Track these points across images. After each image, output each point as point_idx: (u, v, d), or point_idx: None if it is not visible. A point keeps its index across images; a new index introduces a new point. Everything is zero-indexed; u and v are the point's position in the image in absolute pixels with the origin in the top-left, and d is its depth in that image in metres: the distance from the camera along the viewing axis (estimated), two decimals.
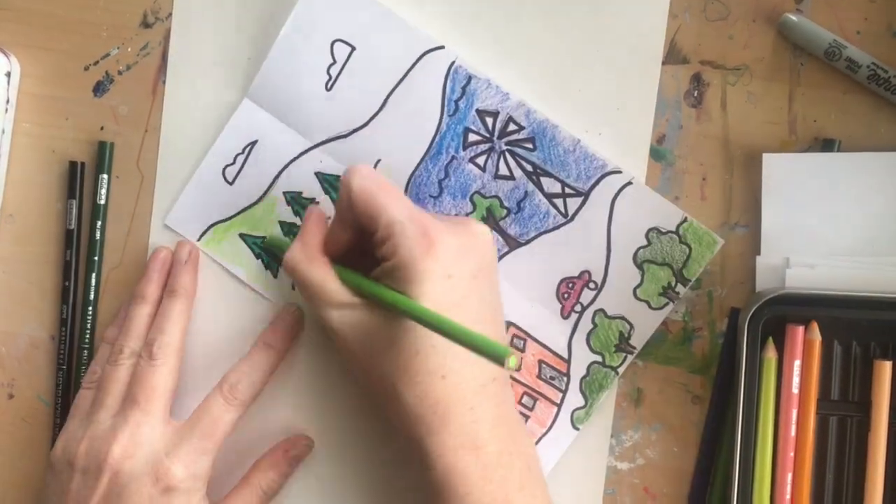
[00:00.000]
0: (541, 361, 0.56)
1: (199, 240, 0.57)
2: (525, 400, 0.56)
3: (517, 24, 0.56)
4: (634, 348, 0.56)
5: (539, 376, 0.56)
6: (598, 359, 0.56)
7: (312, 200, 0.56)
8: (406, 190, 0.56)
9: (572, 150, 0.55)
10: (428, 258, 0.48)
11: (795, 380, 0.53)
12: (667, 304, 0.55)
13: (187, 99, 0.57)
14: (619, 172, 0.55)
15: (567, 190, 0.55)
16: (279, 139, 0.56)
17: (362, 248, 0.51)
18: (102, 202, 0.58)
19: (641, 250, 0.55)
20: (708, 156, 0.56)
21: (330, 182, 0.57)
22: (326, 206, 0.56)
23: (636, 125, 0.56)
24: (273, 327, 0.56)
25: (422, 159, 0.56)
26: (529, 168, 0.56)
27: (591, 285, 0.56)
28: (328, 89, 0.56)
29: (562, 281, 0.56)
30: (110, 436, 0.51)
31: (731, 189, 0.56)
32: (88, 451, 0.51)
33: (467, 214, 0.56)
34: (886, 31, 0.55)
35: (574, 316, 0.56)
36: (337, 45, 0.56)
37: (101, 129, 0.58)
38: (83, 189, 0.58)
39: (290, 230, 0.57)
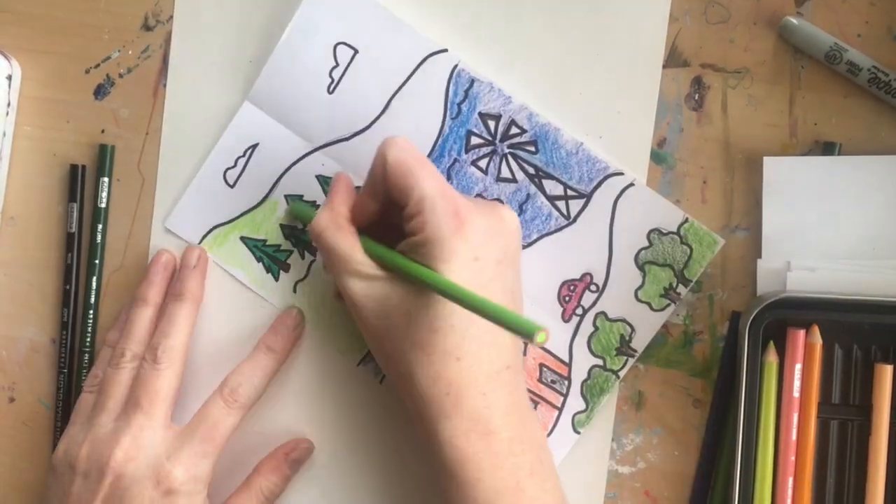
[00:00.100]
0: (542, 365, 0.56)
1: (199, 243, 0.57)
2: None
3: (518, 28, 0.56)
4: (635, 351, 0.56)
5: (540, 380, 0.56)
6: (599, 362, 0.56)
7: (313, 203, 0.56)
8: None
9: (575, 153, 0.55)
10: (457, 238, 0.48)
11: (796, 383, 0.53)
12: (668, 305, 0.55)
13: (188, 101, 0.57)
14: (622, 174, 0.55)
15: (569, 192, 0.55)
16: (280, 142, 0.56)
17: (387, 221, 0.51)
18: (103, 205, 0.57)
19: (643, 251, 0.55)
20: (709, 159, 0.56)
21: None
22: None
23: (637, 128, 0.56)
24: (274, 330, 0.56)
25: None
26: (531, 171, 0.56)
27: (593, 287, 0.56)
28: (330, 92, 0.56)
29: (563, 284, 0.56)
30: (112, 439, 0.51)
31: (731, 192, 0.56)
32: (90, 455, 0.51)
33: None
34: (887, 34, 0.55)
35: (575, 319, 0.56)
36: (340, 47, 0.56)
37: (102, 132, 0.58)
38: (84, 192, 0.58)
39: (290, 233, 0.57)
